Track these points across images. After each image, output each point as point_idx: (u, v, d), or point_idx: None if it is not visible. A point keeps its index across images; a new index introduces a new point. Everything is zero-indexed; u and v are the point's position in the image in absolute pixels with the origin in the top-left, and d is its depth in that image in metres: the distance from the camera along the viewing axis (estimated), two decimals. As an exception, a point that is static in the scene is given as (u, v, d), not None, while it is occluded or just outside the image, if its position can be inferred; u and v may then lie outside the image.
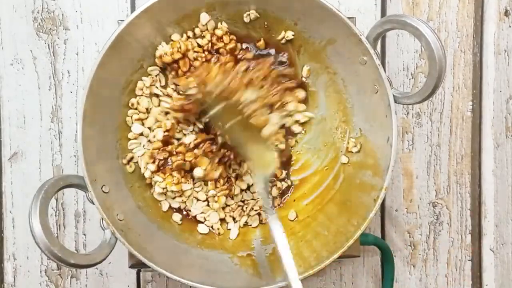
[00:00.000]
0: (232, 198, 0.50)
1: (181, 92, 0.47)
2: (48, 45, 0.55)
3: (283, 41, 0.49)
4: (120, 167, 0.47)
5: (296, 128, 0.51)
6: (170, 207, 0.49)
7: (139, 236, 0.43)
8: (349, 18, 0.44)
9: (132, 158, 0.47)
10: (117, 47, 0.42)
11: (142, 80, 0.47)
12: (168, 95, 0.48)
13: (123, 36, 0.42)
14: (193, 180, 0.49)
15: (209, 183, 0.49)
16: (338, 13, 0.43)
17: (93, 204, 0.41)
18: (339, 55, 0.47)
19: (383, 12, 0.57)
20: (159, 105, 0.48)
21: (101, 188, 0.42)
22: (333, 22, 0.44)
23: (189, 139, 0.48)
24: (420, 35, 0.40)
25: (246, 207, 0.50)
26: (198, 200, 0.49)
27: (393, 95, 0.43)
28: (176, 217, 0.49)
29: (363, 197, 0.46)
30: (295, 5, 0.45)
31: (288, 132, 0.51)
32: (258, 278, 0.45)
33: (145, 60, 0.47)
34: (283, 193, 0.51)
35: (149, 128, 0.48)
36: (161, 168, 0.47)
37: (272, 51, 0.49)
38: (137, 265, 0.51)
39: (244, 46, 0.49)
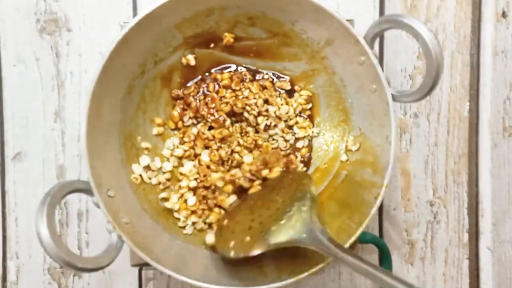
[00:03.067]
0: None
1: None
2: (51, 46, 0.55)
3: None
4: (125, 171, 0.47)
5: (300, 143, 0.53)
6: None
7: (145, 238, 0.43)
8: (347, 20, 0.44)
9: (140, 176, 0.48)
10: (120, 51, 0.42)
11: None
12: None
13: (125, 41, 0.42)
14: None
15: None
16: (335, 14, 0.43)
17: (99, 208, 0.42)
18: (337, 56, 0.48)
19: (382, 14, 0.58)
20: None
21: (107, 192, 0.43)
22: (330, 23, 0.44)
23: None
24: (417, 34, 0.40)
25: None
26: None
27: (391, 94, 0.44)
28: (188, 229, 0.50)
29: (364, 195, 0.46)
30: (293, 7, 0.45)
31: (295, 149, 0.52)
32: (263, 276, 0.45)
33: (146, 65, 0.47)
34: None
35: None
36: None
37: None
38: (139, 264, 0.52)
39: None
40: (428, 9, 0.58)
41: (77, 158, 0.56)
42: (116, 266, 0.55)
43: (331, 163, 0.51)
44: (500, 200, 0.60)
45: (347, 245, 0.44)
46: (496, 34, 0.59)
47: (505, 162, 0.60)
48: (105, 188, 0.42)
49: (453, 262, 0.59)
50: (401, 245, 0.59)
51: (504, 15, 0.59)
